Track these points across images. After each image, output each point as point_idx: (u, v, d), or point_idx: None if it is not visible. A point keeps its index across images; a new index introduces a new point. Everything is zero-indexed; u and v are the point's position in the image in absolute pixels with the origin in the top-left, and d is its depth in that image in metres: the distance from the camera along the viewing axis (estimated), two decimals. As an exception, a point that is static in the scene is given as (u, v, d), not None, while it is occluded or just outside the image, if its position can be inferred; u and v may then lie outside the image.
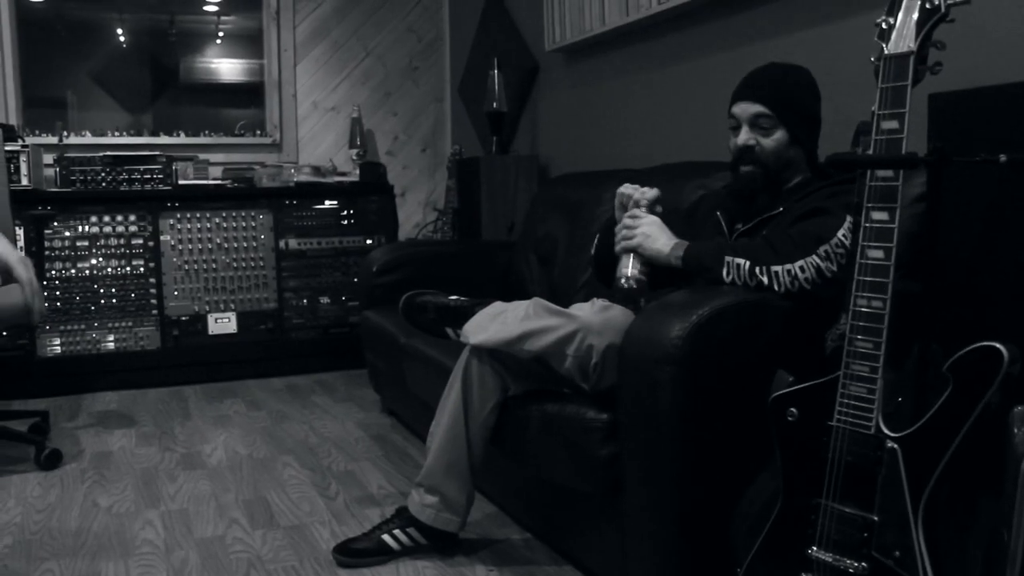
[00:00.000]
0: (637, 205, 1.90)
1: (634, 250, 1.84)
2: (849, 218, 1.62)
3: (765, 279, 1.64)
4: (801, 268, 1.62)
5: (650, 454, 1.57)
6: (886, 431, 1.24)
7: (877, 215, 1.25)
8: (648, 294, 1.83)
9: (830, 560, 1.29)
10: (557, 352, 1.78)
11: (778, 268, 1.63)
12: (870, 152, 1.27)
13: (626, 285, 1.83)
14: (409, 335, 2.70)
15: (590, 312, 1.80)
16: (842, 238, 1.61)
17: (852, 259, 1.58)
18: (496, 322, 1.90)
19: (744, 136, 1.83)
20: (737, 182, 1.88)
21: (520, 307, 1.91)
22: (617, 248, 1.88)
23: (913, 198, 1.59)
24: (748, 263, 1.66)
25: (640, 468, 1.60)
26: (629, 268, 1.84)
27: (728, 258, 1.69)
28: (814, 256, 1.62)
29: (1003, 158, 1.23)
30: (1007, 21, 1.80)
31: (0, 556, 2.07)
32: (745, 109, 1.83)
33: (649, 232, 1.84)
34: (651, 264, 1.83)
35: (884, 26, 1.29)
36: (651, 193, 1.90)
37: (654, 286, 1.84)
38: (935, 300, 1.28)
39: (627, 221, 1.88)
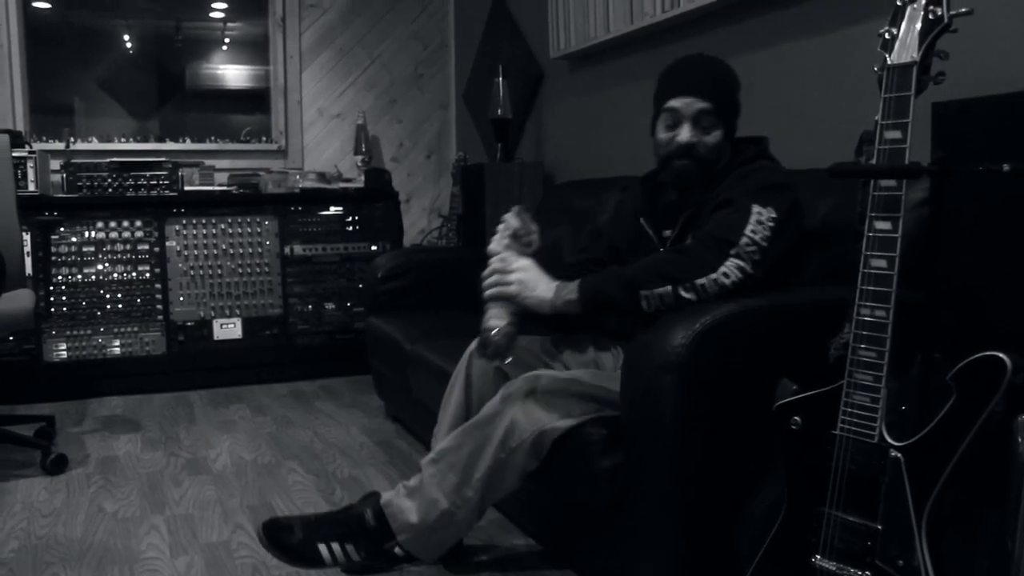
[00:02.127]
0: (516, 238, 1.79)
1: (510, 299, 1.72)
2: (755, 208, 1.64)
3: (692, 295, 1.60)
4: (725, 274, 1.60)
5: (653, 461, 1.57)
6: (889, 440, 1.24)
7: (880, 224, 1.25)
8: (514, 348, 1.73)
9: (834, 569, 1.29)
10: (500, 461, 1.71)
11: (703, 280, 1.60)
12: (873, 162, 1.28)
13: (496, 338, 1.68)
14: (414, 341, 2.70)
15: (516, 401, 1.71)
16: (750, 235, 1.61)
17: (767, 257, 1.62)
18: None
19: (687, 134, 1.79)
20: (672, 175, 1.84)
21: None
22: (486, 295, 1.76)
23: (914, 203, 1.59)
24: (670, 288, 1.61)
25: (643, 476, 1.60)
26: (496, 319, 1.70)
27: (644, 292, 1.62)
28: (731, 259, 1.61)
29: (1006, 167, 1.24)
30: (1010, 31, 1.80)
31: (6, 561, 2.08)
32: (690, 105, 1.78)
33: (525, 278, 1.73)
34: (523, 314, 1.72)
35: (887, 36, 1.29)
36: (514, 223, 1.80)
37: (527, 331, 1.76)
38: (938, 309, 1.28)
39: (496, 266, 1.77)
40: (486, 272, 1.77)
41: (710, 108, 1.77)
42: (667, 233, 1.87)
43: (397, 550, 1.84)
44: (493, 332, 1.69)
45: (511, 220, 1.85)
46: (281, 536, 1.85)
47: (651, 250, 1.89)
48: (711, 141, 1.79)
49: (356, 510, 1.86)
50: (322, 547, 1.81)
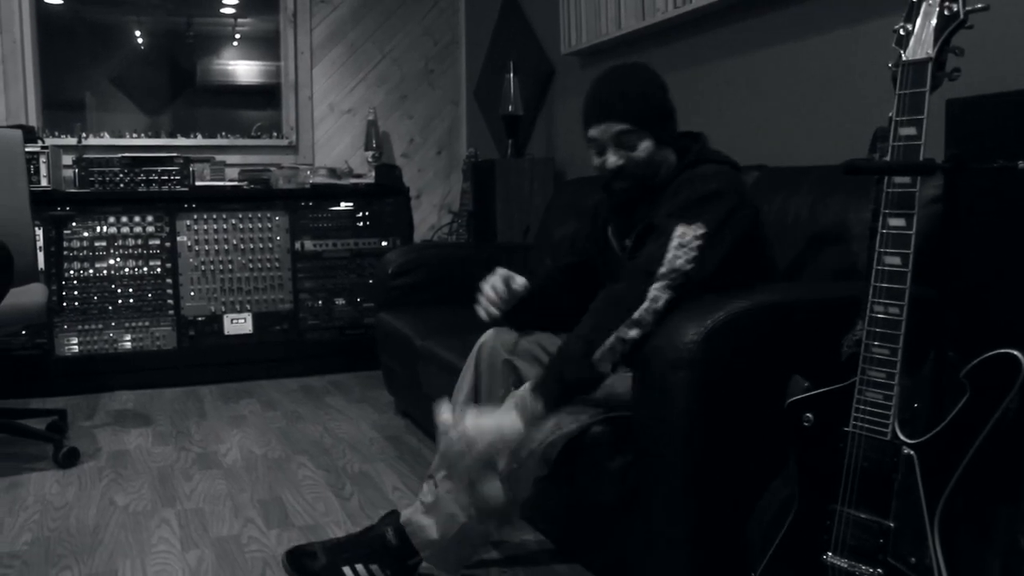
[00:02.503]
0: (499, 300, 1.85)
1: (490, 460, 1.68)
2: (679, 230, 1.60)
3: (635, 331, 1.57)
4: (654, 299, 1.57)
5: (663, 460, 1.57)
6: (902, 437, 1.24)
7: (894, 221, 1.25)
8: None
9: (845, 566, 1.29)
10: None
11: (637, 314, 1.57)
12: (887, 159, 1.27)
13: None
14: (425, 337, 2.71)
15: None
16: (670, 263, 1.58)
17: (691, 279, 1.58)
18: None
19: (613, 159, 1.76)
20: (614, 199, 1.84)
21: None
22: (471, 476, 1.72)
23: (928, 200, 1.59)
24: (614, 337, 1.57)
25: (653, 474, 1.60)
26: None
27: (595, 357, 1.57)
28: (656, 284, 1.58)
29: (1021, 164, 1.23)
30: (1026, 27, 1.79)
31: (19, 553, 2.09)
32: (604, 131, 1.75)
33: (488, 437, 1.62)
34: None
35: (902, 32, 1.29)
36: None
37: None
38: (951, 307, 1.28)
39: (455, 447, 1.64)
40: (454, 449, 1.66)
41: (627, 128, 1.74)
42: (627, 242, 1.86)
43: (424, 565, 1.84)
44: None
45: (496, 284, 1.86)
46: (305, 563, 1.85)
47: (615, 259, 1.89)
48: (640, 156, 1.75)
49: (377, 530, 1.86)
50: (347, 570, 1.82)
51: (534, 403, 1.61)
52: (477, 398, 1.93)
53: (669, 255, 1.60)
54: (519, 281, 1.90)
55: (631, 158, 1.76)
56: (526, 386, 1.67)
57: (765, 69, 2.60)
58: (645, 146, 1.75)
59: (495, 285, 1.87)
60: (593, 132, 1.78)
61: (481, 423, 1.63)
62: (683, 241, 1.61)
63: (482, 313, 1.89)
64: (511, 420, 1.62)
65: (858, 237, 1.85)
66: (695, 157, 1.78)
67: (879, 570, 1.25)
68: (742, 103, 2.70)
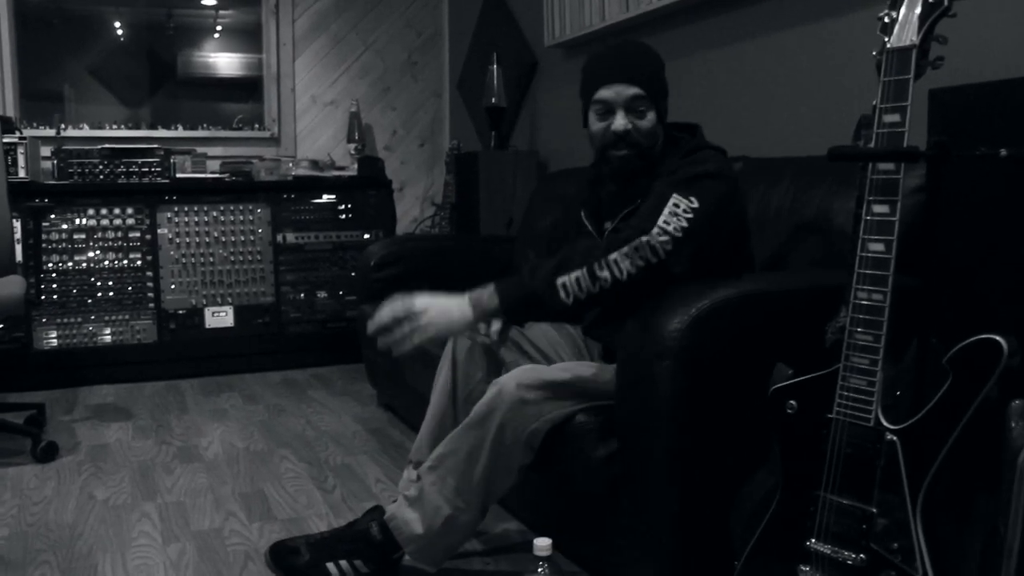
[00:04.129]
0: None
1: (431, 338, 1.69)
2: (675, 197, 1.64)
3: (606, 273, 1.60)
4: (636, 248, 1.60)
5: (647, 449, 1.57)
6: (885, 423, 1.24)
7: (878, 208, 1.25)
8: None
9: (828, 552, 1.29)
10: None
11: (614, 255, 1.61)
12: (871, 145, 1.27)
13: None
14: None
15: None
16: (663, 225, 1.61)
17: (681, 248, 1.61)
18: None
19: (622, 121, 1.76)
20: (611, 166, 1.82)
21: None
22: (402, 350, 1.72)
23: (911, 189, 1.59)
24: (584, 269, 1.61)
25: (637, 463, 1.60)
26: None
27: (559, 280, 1.61)
28: (642, 237, 1.60)
29: (1003, 152, 1.24)
30: (1007, 16, 1.80)
31: (-3, 547, 2.07)
32: (620, 92, 1.76)
33: (433, 312, 1.68)
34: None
35: (887, 20, 1.29)
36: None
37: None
38: (935, 294, 1.28)
39: (390, 314, 1.70)
40: (383, 325, 1.70)
41: (641, 93, 1.76)
42: (608, 225, 1.86)
43: (406, 559, 1.84)
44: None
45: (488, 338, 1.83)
46: (288, 559, 1.84)
47: None
48: (646, 126, 1.78)
49: (361, 525, 1.86)
50: (330, 566, 1.80)
51: (490, 299, 1.66)
52: (455, 386, 1.93)
53: (662, 218, 1.62)
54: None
55: (637, 126, 1.77)
56: (490, 285, 1.69)
57: (749, 60, 2.60)
58: (651, 116, 1.78)
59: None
60: (605, 93, 1.77)
61: (425, 301, 1.68)
62: (676, 210, 1.63)
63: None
64: (459, 303, 1.68)
65: (840, 226, 1.86)
66: (694, 146, 1.78)
67: (862, 556, 1.26)
68: (726, 94, 2.70)
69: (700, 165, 1.71)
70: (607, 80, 1.77)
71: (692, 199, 1.65)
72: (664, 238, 1.61)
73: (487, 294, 1.68)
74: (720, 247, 1.72)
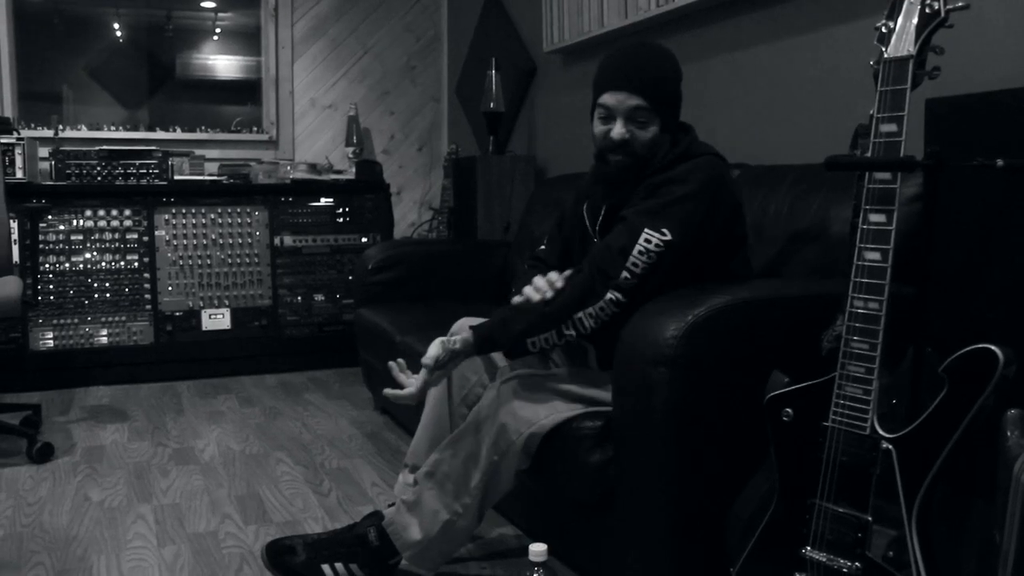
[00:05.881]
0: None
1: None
2: (645, 233, 1.65)
3: (572, 332, 1.69)
4: (601, 308, 1.66)
5: (643, 455, 1.57)
6: (881, 432, 1.25)
7: (875, 217, 1.26)
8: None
9: (824, 560, 1.30)
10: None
11: (580, 315, 1.68)
12: (868, 155, 1.28)
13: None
14: (404, 333, 2.70)
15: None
16: (631, 268, 1.64)
17: (645, 284, 1.64)
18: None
19: (620, 130, 1.74)
20: (605, 168, 1.82)
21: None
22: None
23: (907, 199, 1.60)
24: (553, 332, 1.69)
25: (634, 470, 1.60)
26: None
27: (529, 340, 1.71)
28: (610, 292, 1.66)
29: (1000, 163, 1.24)
30: (1004, 27, 1.81)
31: (-9, 549, 2.06)
32: (622, 101, 1.73)
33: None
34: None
35: (884, 30, 1.29)
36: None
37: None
38: (931, 303, 1.29)
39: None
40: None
41: (644, 104, 1.72)
42: (596, 228, 1.87)
43: (403, 564, 1.84)
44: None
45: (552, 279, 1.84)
46: (284, 558, 1.84)
47: (587, 242, 1.90)
48: (645, 137, 1.75)
49: (359, 529, 1.86)
50: (326, 568, 1.81)
51: (465, 337, 1.77)
52: (450, 389, 1.94)
53: (631, 260, 1.65)
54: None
55: (636, 136, 1.75)
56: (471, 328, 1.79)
57: (747, 68, 2.61)
58: (653, 129, 1.75)
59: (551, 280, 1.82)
60: (608, 99, 1.76)
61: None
62: (647, 246, 1.65)
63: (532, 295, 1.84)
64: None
65: (837, 235, 1.86)
66: (683, 151, 1.77)
67: (857, 564, 1.26)
68: (724, 102, 2.71)
69: (680, 185, 1.69)
70: (612, 86, 1.75)
71: (664, 231, 1.65)
72: (632, 281, 1.65)
73: (465, 335, 1.78)
74: (705, 258, 1.72)
